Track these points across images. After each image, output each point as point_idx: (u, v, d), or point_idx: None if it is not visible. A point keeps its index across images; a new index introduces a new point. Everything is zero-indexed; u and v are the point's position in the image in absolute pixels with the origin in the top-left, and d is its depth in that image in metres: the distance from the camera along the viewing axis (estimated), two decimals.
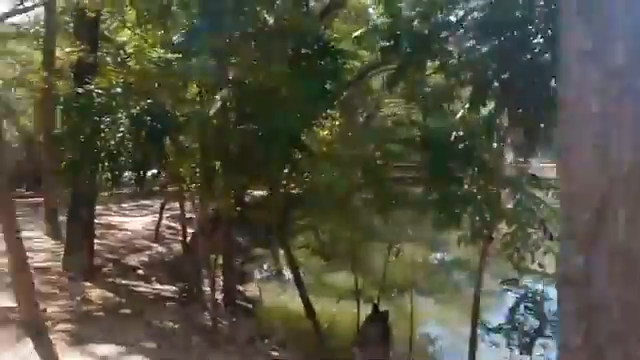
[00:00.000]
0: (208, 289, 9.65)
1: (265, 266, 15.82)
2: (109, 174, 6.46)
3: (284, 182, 7.28)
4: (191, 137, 6.54)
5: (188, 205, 11.70)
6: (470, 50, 5.34)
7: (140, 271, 10.01)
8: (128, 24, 9.24)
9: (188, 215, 16.72)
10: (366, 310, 8.38)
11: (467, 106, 5.57)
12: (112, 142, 5.91)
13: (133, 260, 10.54)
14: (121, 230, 13.28)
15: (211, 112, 5.33)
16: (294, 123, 5.77)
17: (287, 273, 14.29)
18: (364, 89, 13.47)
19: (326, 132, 8.62)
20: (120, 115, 5.91)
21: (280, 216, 7.55)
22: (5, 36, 17.20)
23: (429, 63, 5.82)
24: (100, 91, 6.12)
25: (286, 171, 6.69)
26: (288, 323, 9.08)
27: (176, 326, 6.95)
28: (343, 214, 6.71)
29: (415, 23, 5.36)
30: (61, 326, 6.29)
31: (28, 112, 21.01)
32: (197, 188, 7.58)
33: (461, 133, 5.90)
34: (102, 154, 6.09)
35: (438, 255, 15.69)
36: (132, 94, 6.12)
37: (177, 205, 15.41)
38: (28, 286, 6.18)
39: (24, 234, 11.42)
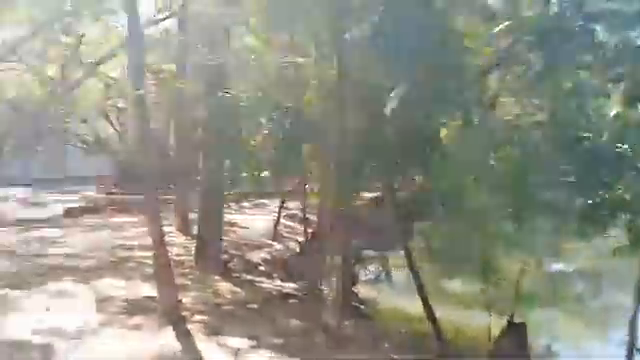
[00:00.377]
0: (325, 288, 9.84)
1: (371, 268, 15.77)
2: (250, 174, 6.76)
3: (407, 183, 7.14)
4: (323, 138, 6.64)
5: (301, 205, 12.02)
6: (624, 42, 4.80)
7: (262, 267, 10.43)
8: (251, 31, 9.68)
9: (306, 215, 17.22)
10: (485, 318, 7.97)
11: (622, 104, 5.03)
12: (253, 144, 6.20)
13: (255, 257, 11.01)
14: (242, 228, 13.93)
15: (387, 111, 5.31)
16: (427, 123, 5.62)
17: (396, 275, 14.16)
18: (483, 88, 12.89)
19: (446, 132, 8.35)
20: (262, 119, 6.19)
21: (403, 218, 7.43)
22: None
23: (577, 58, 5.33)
24: (244, 95, 6.44)
25: (411, 171, 6.53)
26: (407, 326, 8.92)
27: (301, 323, 7.11)
28: (473, 218, 6.42)
29: (565, 15, 4.94)
30: (197, 317, 6.70)
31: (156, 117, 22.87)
32: (321, 188, 7.72)
33: (612, 134, 5.35)
34: (244, 155, 6.41)
35: (562, 265, 14.58)
36: (272, 98, 6.37)
37: (293, 205, 15.96)
38: (169, 278, 6.68)
39: None
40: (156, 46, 18.03)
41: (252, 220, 15.63)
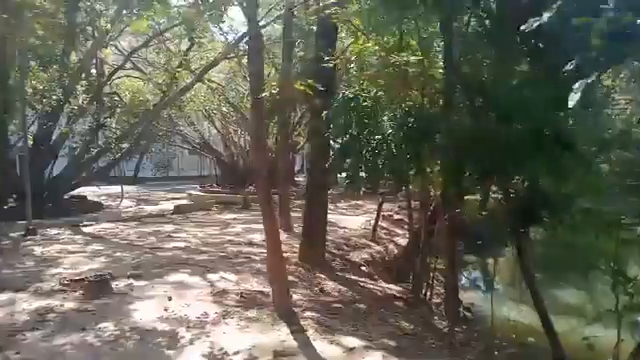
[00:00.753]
0: (430, 292, 9.61)
1: (467, 273, 15.19)
2: (367, 173, 6.75)
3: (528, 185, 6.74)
4: (436, 138, 6.47)
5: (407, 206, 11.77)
6: None
7: (363, 268, 10.41)
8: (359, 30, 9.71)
9: (398, 216, 17.01)
10: (609, 332, 7.28)
11: None
12: (373, 143, 6.19)
13: (356, 257, 11.02)
14: (340, 228, 14.02)
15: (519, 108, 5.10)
16: (557, 122, 5.28)
17: (498, 282, 13.50)
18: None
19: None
20: (384, 118, 6.18)
21: (519, 221, 7.03)
22: (243, 53, 19.81)
23: None
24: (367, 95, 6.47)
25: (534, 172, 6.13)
26: (520, 337, 8.46)
27: (411, 326, 6.98)
28: (603, 222, 5.91)
29: None
30: (307, 313, 6.78)
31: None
32: (425, 190, 7.54)
33: None
34: (363, 154, 6.42)
35: None
36: (394, 97, 6.34)
37: (386, 206, 15.76)
38: (282, 274, 6.83)
39: (262, 227, 12.89)
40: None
41: (348, 220, 15.70)
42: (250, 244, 11.10)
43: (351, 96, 6.60)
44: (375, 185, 7.21)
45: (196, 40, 16.66)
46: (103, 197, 20.55)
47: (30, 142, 14.74)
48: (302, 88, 5.79)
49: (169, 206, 18.82)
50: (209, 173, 27.56)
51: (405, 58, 6.59)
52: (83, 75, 16.68)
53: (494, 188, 7.64)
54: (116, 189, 21.88)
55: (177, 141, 24.71)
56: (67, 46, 15.48)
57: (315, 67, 8.75)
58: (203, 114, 23.56)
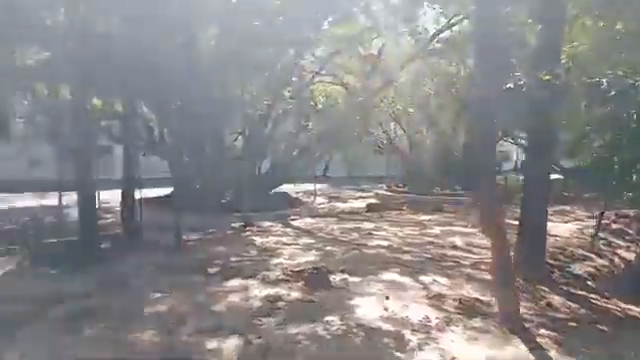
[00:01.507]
0: None
1: None
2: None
3: None
4: None
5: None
6: None
7: (589, 283, 9.19)
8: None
9: (616, 225, 14.87)
10: None
11: None
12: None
13: (579, 269, 9.82)
14: (550, 236, 12.68)
15: None
16: None
17: None
18: None
19: None
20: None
21: None
22: (431, 53, 19.34)
23: None
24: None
25: None
26: None
27: None
28: None
29: None
30: (541, 330, 6.11)
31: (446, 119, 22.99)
32: None
33: None
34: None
35: None
36: None
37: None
38: (510, 284, 6.28)
39: (460, 230, 12.33)
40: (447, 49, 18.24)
41: (557, 227, 14.15)
42: (454, 247, 10.66)
43: (631, 82, 5.69)
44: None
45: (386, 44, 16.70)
46: (300, 194, 21.90)
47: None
48: (547, 78, 5.16)
49: (359, 204, 19.26)
50: (394, 173, 27.64)
51: None
52: (286, 81, 17.88)
53: None
54: (309, 186, 23.14)
55: (366, 141, 25.27)
56: (272, 55, 16.67)
57: (539, 57, 7.91)
58: (390, 115, 23.67)
